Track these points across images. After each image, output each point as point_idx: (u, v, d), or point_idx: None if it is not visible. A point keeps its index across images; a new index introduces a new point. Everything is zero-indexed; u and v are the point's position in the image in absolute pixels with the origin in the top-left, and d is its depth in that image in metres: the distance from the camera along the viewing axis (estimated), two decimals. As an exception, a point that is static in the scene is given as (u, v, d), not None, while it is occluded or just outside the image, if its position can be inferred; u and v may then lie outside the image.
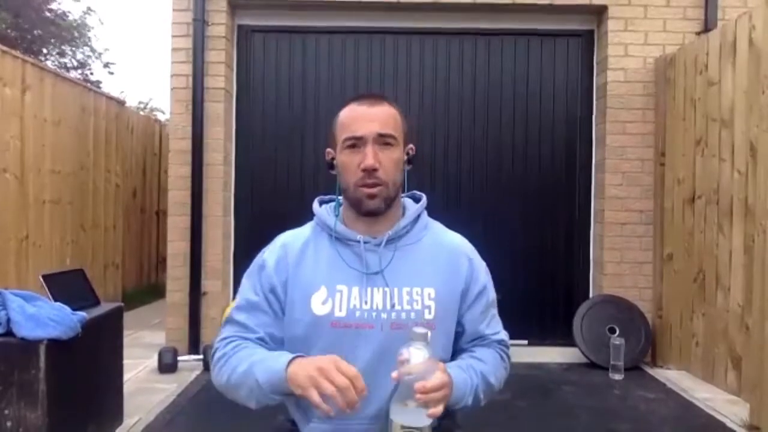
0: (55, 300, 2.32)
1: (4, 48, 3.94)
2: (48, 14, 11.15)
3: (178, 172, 3.91)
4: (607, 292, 3.91)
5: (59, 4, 11.43)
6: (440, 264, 1.33)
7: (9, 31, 10.12)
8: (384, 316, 1.26)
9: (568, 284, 4.21)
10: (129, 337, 3.78)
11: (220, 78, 3.92)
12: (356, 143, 1.26)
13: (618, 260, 3.94)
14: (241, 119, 4.17)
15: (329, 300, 1.28)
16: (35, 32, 10.98)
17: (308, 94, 4.19)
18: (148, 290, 6.14)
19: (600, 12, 4.05)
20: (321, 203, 1.42)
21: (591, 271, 4.18)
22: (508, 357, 1.41)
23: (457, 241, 1.40)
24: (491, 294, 1.39)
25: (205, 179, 3.89)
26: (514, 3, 3.98)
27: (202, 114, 3.87)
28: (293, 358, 1.16)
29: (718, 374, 3.30)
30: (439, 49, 4.20)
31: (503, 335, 1.41)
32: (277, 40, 4.19)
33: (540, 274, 4.19)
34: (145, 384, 3.30)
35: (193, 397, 3.10)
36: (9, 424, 1.99)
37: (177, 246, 3.91)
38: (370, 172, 1.24)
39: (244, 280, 1.36)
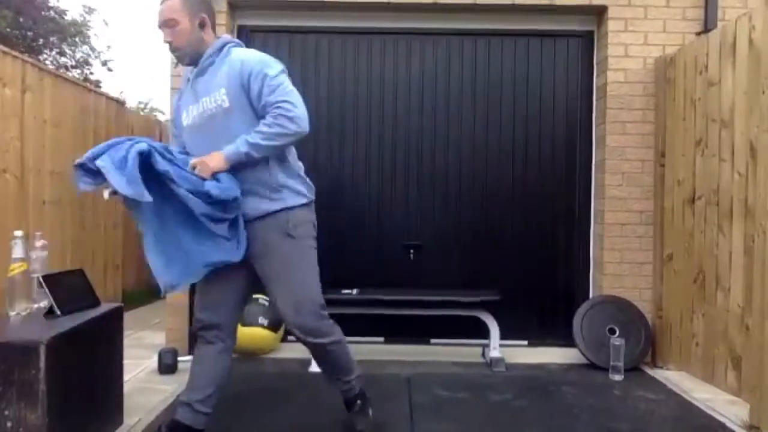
0: (55, 300, 2.31)
1: (4, 48, 3.94)
2: (48, 12, 11.13)
3: (178, 172, 3.90)
4: (607, 292, 3.92)
5: (58, 1, 11.43)
6: (227, 71, 2.18)
7: (9, 30, 10.10)
8: (203, 113, 2.26)
9: (568, 284, 4.21)
10: (129, 338, 3.78)
11: (220, 78, 3.92)
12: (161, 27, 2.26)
13: (618, 260, 3.94)
14: (241, 119, 4.16)
15: None
16: (36, 31, 10.97)
17: (308, 94, 4.15)
18: (148, 290, 6.13)
19: (600, 12, 4.06)
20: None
21: (591, 271, 4.18)
22: (283, 116, 2.10)
23: (241, 56, 2.21)
24: (266, 75, 2.13)
25: (205, 179, 3.88)
26: (514, 3, 3.98)
27: (202, 114, 3.86)
28: None
29: (718, 374, 3.30)
30: (439, 49, 4.21)
31: (280, 100, 2.11)
32: (277, 40, 4.19)
33: (540, 274, 4.19)
34: (145, 384, 3.30)
35: (193, 397, 3.08)
36: (9, 424, 1.99)
37: (177, 246, 3.89)
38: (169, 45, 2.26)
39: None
